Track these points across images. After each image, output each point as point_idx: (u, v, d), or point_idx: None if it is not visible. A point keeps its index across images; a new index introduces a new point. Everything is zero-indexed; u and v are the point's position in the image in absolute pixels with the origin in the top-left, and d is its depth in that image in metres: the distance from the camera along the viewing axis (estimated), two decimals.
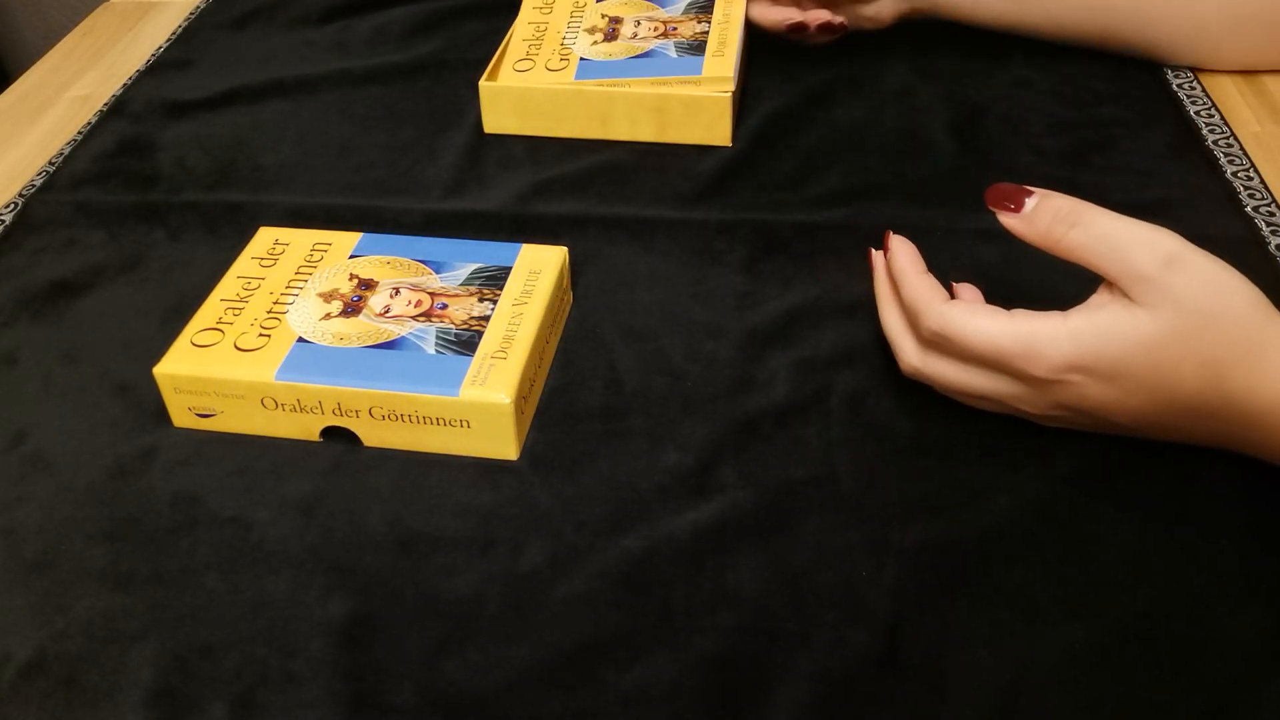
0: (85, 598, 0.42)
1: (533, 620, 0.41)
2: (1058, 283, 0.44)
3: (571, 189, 0.62)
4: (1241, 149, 0.62)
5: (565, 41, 0.67)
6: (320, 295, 0.50)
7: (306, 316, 0.49)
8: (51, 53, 0.81)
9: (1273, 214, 0.57)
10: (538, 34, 0.67)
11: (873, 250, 0.49)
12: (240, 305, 0.50)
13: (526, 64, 0.65)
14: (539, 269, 0.51)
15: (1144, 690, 0.38)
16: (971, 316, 0.42)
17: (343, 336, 0.48)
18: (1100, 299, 0.41)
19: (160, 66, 0.77)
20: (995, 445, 0.46)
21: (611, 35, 0.66)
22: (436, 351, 0.47)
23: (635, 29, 0.67)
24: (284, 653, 0.40)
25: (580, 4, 0.70)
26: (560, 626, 0.40)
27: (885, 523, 0.43)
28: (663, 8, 0.69)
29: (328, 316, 0.49)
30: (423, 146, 0.67)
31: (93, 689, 0.39)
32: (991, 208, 0.44)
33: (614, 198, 0.62)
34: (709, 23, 0.67)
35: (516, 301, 0.49)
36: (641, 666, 0.39)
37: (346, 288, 0.50)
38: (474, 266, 0.51)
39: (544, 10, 0.70)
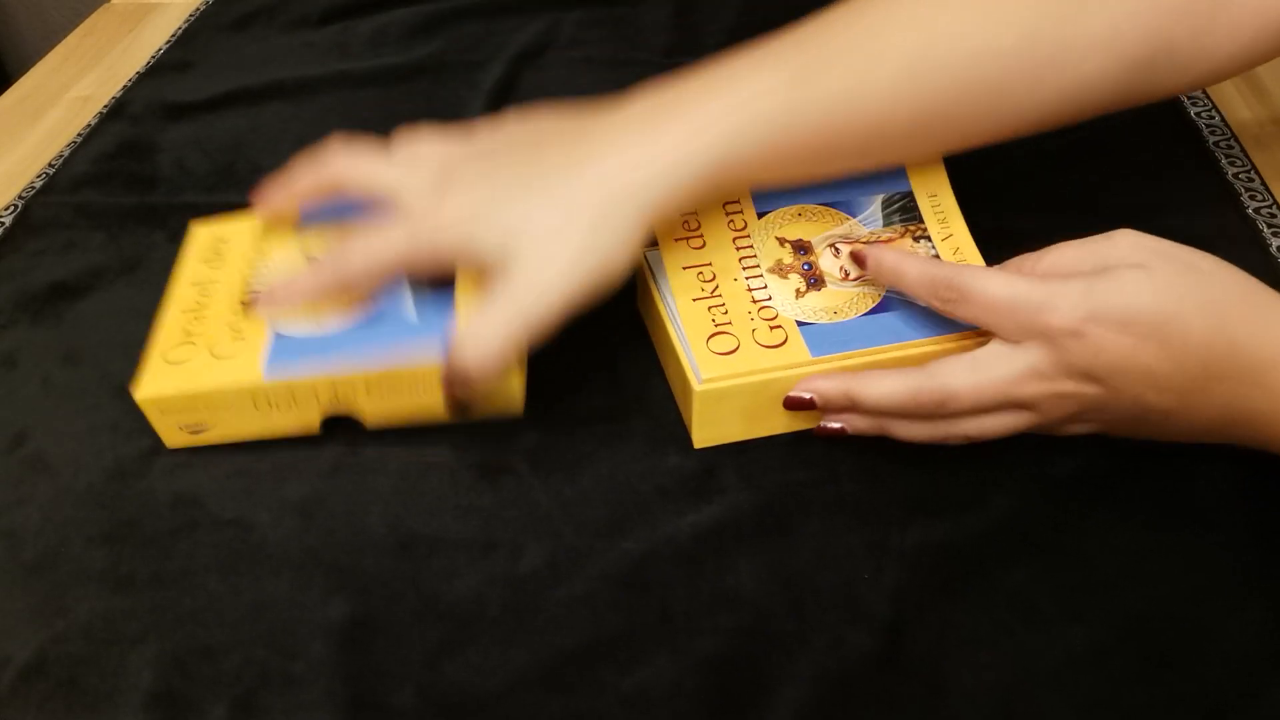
0: (85, 600, 0.42)
1: (533, 622, 0.41)
2: None
3: None
4: (1241, 149, 0.62)
5: (754, 294, 0.47)
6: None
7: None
8: (52, 54, 0.81)
9: (1273, 214, 0.57)
10: (703, 287, 0.48)
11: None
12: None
13: (723, 341, 0.46)
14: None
15: (1143, 691, 0.38)
16: (962, 370, 0.42)
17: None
18: (1098, 270, 0.41)
19: (160, 68, 0.77)
20: (995, 447, 0.45)
21: (814, 279, 0.48)
22: (419, 317, 0.46)
23: (837, 260, 0.48)
24: (284, 655, 0.40)
25: (741, 224, 0.50)
26: (560, 628, 0.40)
27: (885, 524, 0.43)
28: (852, 216, 0.50)
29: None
30: None
31: (93, 691, 0.39)
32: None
33: None
34: (926, 237, 0.49)
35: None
36: (642, 668, 0.39)
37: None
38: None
39: (689, 240, 0.49)
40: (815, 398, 0.45)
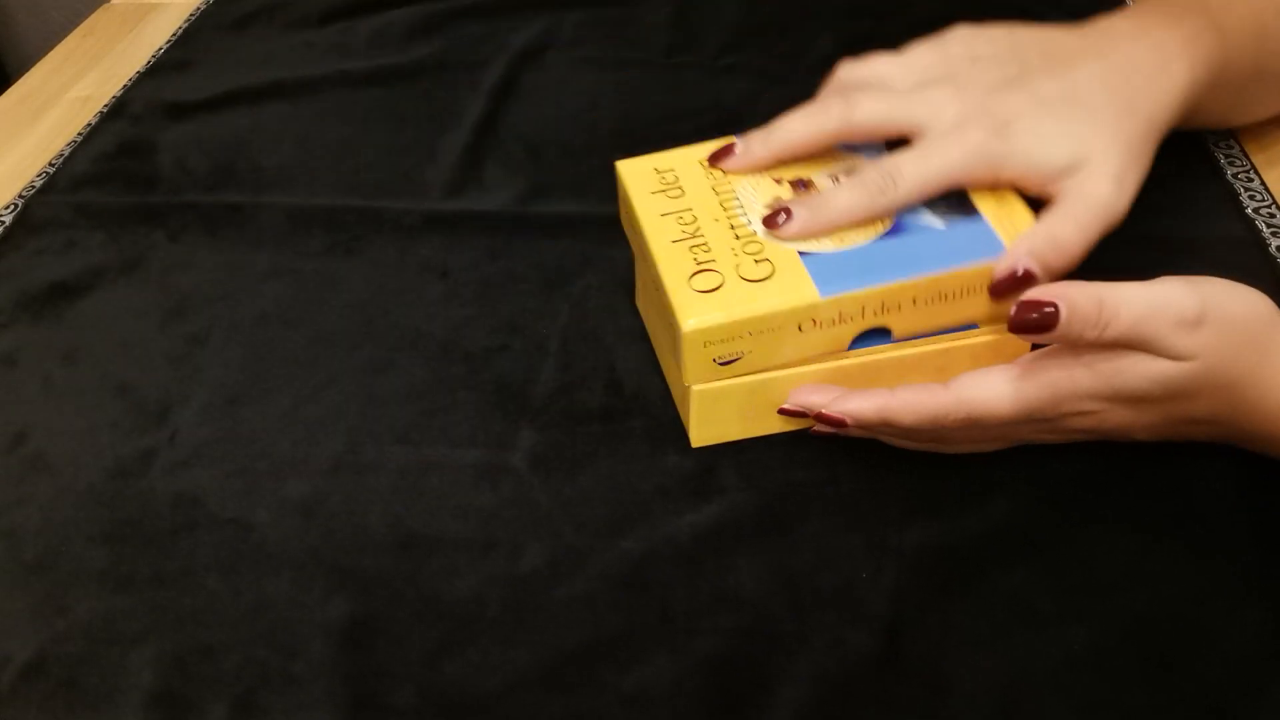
0: (85, 599, 0.42)
1: (533, 622, 0.41)
2: None
3: (571, 189, 0.62)
4: (1241, 150, 0.62)
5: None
6: (768, 206, 0.46)
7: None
8: (52, 54, 0.81)
9: (1273, 215, 0.57)
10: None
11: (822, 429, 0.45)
12: (698, 241, 0.45)
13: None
14: None
15: (1143, 692, 0.38)
16: (989, 386, 0.41)
17: (841, 237, 0.44)
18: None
19: (160, 68, 0.77)
20: None
21: None
22: (946, 225, 0.45)
23: None
24: (284, 654, 0.40)
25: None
26: (560, 628, 0.40)
27: (885, 524, 0.43)
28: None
29: None
30: (423, 147, 0.67)
31: (93, 691, 0.39)
32: (1027, 336, 0.41)
33: (614, 198, 0.62)
34: None
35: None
36: (641, 668, 0.39)
37: (786, 193, 0.47)
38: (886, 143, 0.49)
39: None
40: (849, 420, 0.43)
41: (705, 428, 0.46)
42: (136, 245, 0.60)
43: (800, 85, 0.51)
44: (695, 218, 0.46)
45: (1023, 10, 0.75)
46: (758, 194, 0.47)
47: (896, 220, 0.45)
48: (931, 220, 0.45)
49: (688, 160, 0.50)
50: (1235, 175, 0.60)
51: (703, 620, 0.40)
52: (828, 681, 0.38)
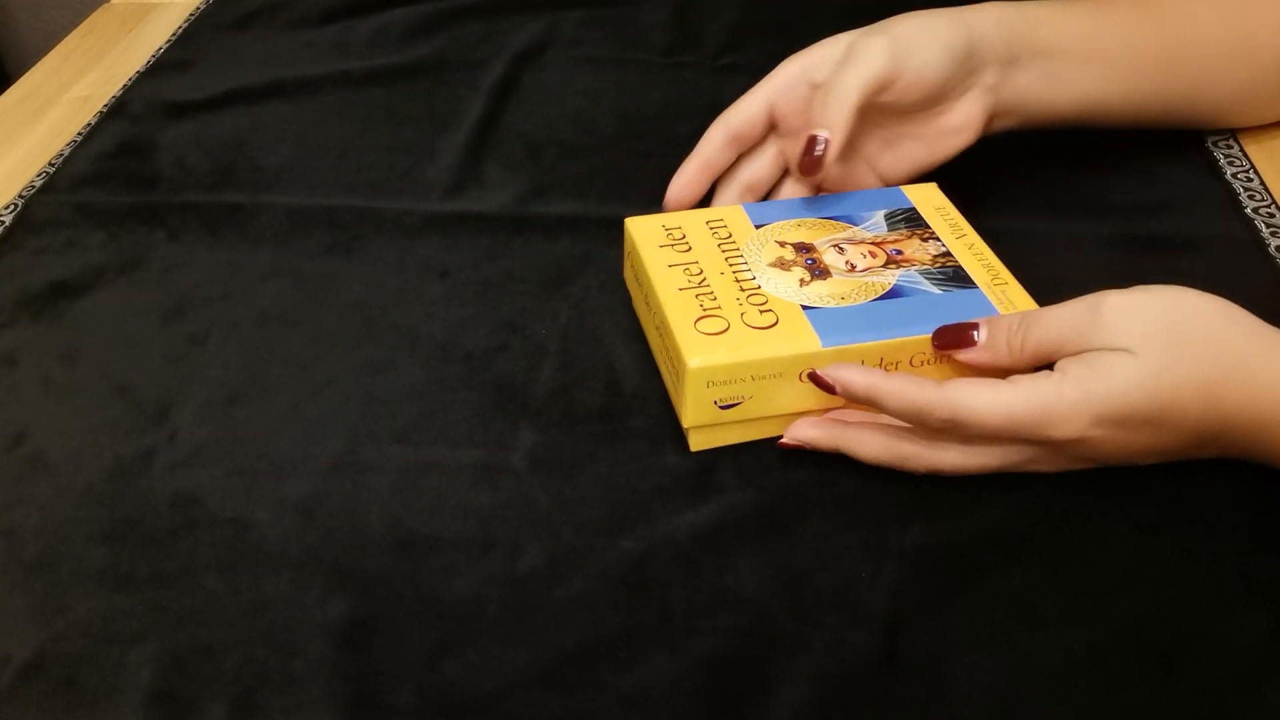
0: (85, 599, 0.42)
1: (532, 621, 0.41)
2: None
3: (571, 189, 0.62)
4: (1241, 150, 0.62)
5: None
6: (771, 265, 0.48)
7: (786, 287, 0.47)
8: (52, 54, 0.81)
9: (1273, 215, 0.57)
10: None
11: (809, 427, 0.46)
12: (704, 290, 0.47)
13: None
14: (939, 204, 0.52)
15: (1142, 693, 0.38)
16: (977, 393, 0.41)
17: (842, 296, 0.46)
18: (1083, 357, 0.41)
19: (160, 68, 0.77)
20: None
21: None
22: (942, 291, 0.46)
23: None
24: (284, 654, 0.40)
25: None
26: (560, 628, 0.40)
27: (884, 524, 0.43)
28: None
29: (804, 283, 0.47)
30: (423, 147, 0.67)
31: (92, 690, 0.39)
32: (946, 352, 0.44)
33: (614, 198, 0.62)
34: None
35: (958, 236, 0.49)
36: (641, 668, 0.39)
37: (790, 254, 0.49)
38: (882, 212, 0.51)
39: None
40: (839, 387, 0.43)
41: (704, 429, 0.46)
42: (136, 245, 0.60)
43: None
44: (701, 270, 0.48)
45: None
46: (763, 253, 0.49)
47: (895, 285, 0.47)
48: (929, 288, 0.47)
49: (695, 220, 0.51)
50: (1235, 175, 0.60)
51: (702, 620, 0.40)
52: (827, 682, 0.38)
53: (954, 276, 0.47)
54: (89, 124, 0.71)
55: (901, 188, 0.53)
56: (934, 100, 0.53)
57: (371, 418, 0.49)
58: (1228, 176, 0.60)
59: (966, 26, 0.53)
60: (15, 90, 0.77)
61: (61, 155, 0.68)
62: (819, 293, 0.47)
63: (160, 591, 0.42)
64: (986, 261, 0.48)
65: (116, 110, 0.72)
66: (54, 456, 0.48)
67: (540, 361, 0.51)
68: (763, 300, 0.46)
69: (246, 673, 0.39)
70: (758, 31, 0.76)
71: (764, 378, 0.45)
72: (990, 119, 0.55)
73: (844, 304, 0.46)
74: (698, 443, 0.46)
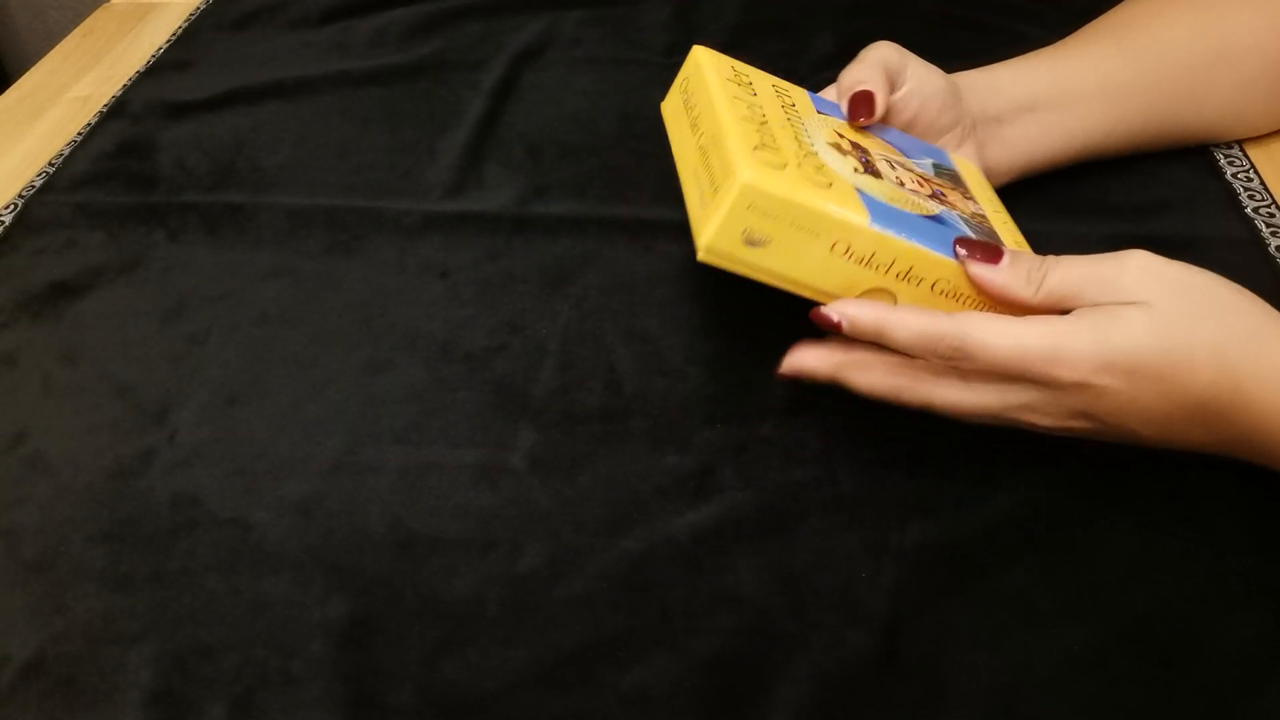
0: (84, 599, 0.42)
1: (532, 621, 0.41)
2: None
3: (571, 189, 0.62)
4: (1241, 150, 0.62)
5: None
6: (830, 145, 0.46)
7: (842, 167, 0.45)
8: (51, 54, 0.81)
9: (1273, 215, 0.57)
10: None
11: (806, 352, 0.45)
12: (765, 130, 0.44)
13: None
14: (981, 181, 0.51)
15: (1143, 692, 0.38)
16: (991, 323, 0.41)
17: (891, 199, 0.44)
18: (1101, 307, 0.41)
19: (160, 67, 0.77)
20: (994, 446, 0.46)
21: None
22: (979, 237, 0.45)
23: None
24: (283, 654, 0.40)
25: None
26: (559, 628, 0.40)
27: (884, 524, 0.43)
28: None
29: (857, 171, 0.45)
30: (423, 147, 0.67)
31: (92, 690, 0.39)
32: (970, 262, 0.43)
33: (614, 198, 0.62)
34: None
35: (995, 210, 0.49)
36: (641, 668, 0.39)
37: (847, 145, 0.47)
38: (931, 161, 0.50)
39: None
40: (845, 323, 0.42)
41: (729, 237, 0.42)
42: (136, 245, 0.60)
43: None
44: (765, 117, 0.46)
45: (1014, 11, 0.75)
46: (822, 133, 0.47)
47: (940, 214, 0.46)
48: (968, 232, 0.46)
49: (762, 78, 0.50)
50: (1235, 175, 0.60)
51: (702, 620, 0.40)
52: (826, 681, 0.38)
53: (989, 235, 0.46)
54: (89, 124, 0.71)
55: (948, 153, 0.53)
56: (934, 117, 0.53)
57: (371, 418, 0.49)
58: (1228, 176, 0.60)
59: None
60: (15, 90, 0.77)
61: (61, 155, 0.68)
62: (872, 185, 0.45)
63: (160, 591, 0.42)
64: (1017, 239, 0.48)
65: (116, 110, 0.72)
66: (54, 456, 0.48)
67: (540, 361, 0.51)
68: (820, 164, 0.44)
69: (246, 673, 0.39)
70: (758, 31, 0.76)
71: (802, 229, 0.42)
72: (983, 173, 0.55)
73: (896, 205, 0.44)
74: (706, 256, 0.43)
